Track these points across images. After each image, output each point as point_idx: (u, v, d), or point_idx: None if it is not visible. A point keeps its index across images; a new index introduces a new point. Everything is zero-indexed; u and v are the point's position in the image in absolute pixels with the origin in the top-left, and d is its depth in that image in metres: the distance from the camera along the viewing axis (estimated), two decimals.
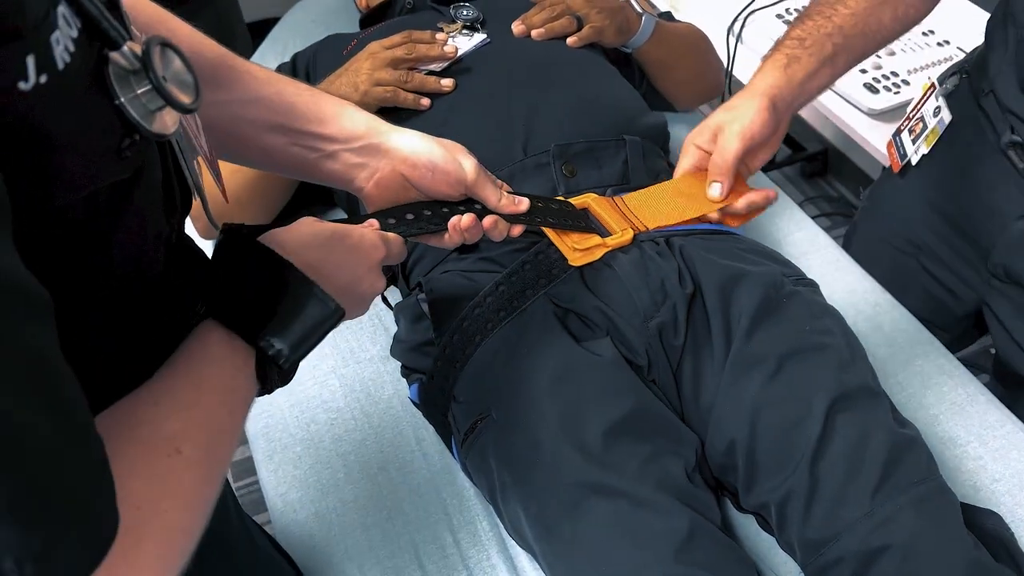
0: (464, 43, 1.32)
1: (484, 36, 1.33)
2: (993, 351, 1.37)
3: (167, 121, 0.51)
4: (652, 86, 1.50)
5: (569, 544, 0.90)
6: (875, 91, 1.67)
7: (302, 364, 0.67)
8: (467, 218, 0.89)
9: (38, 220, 0.44)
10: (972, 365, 1.32)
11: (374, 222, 0.84)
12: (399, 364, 1.24)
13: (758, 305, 1.02)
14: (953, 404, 1.18)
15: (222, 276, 0.65)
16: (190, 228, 1.33)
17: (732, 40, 1.90)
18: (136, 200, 0.52)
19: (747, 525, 1.05)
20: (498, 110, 1.22)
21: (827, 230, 1.49)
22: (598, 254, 1.06)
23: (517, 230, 0.95)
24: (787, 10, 1.91)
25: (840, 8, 1.10)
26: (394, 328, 1.30)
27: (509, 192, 0.95)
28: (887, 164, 1.44)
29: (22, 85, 0.41)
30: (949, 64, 1.37)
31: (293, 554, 1.04)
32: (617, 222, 1.09)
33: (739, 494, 1.00)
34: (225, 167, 0.79)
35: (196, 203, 0.66)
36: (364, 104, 1.22)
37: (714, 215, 1.12)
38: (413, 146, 0.89)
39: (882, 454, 0.92)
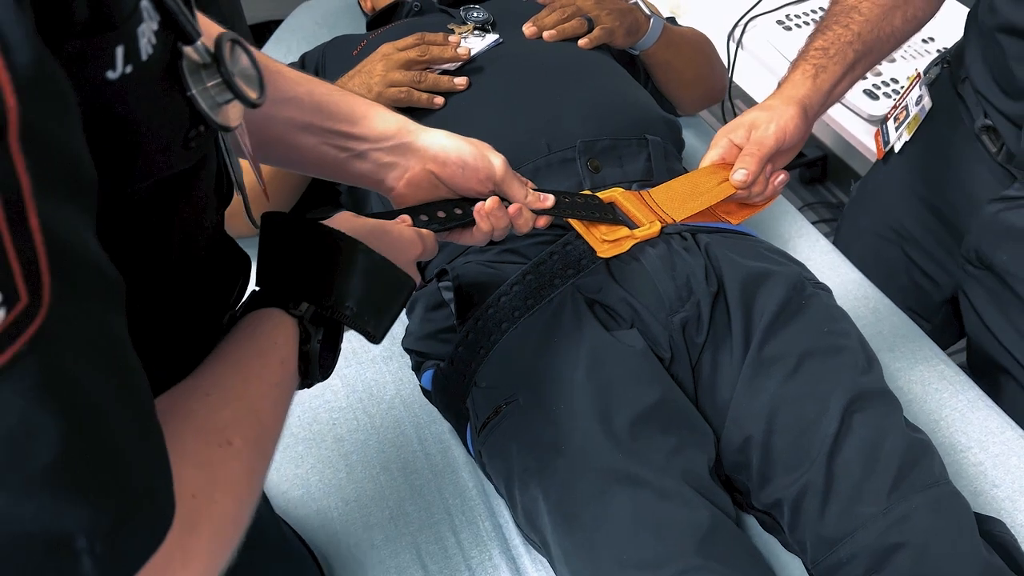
0: (477, 44, 1.32)
1: (496, 36, 1.34)
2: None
3: (232, 114, 0.53)
4: (655, 89, 1.51)
5: (591, 532, 0.90)
6: (875, 97, 1.68)
7: None
8: (491, 201, 0.90)
9: (112, 205, 0.44)
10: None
11: (407, 218, 0.85)
12: (401, 365, 1.25)
13: (780, 304, 1.04)
14: (954, 410, 1.18)
15: (274, 252, 0.67)
16: None
17: (733, 46, 1.91)
18: (196, 190, 0.54)
19: (750, 526, 1.05)
20: (518, 107, 1.23)
21: (826, 236, 1.50)
22: (626, 246, 1.07)
23: (543, 221, 0.96)
24: (787, 16, 1.92)
25: (855, 16, 1.13)
26: (396, 328, 1.29)
27: (535, 189, 0.96)
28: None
29: (110, 74, 0.42)
30: None
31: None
32: (644, 214, 1.10)
33: (751, 492, 1.01)
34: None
35: (236, 199, 0.67)
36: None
37: (720, 210, 1.13)
38: (443, 144, 0.90)
39: (898, 454, 0.93)
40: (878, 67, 1.73)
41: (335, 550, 1.05)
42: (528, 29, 1.35)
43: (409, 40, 1.26)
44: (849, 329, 1.07)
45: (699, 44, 1.53)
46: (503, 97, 1.25)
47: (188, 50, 0.49)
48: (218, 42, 0.51)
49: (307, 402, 1.20)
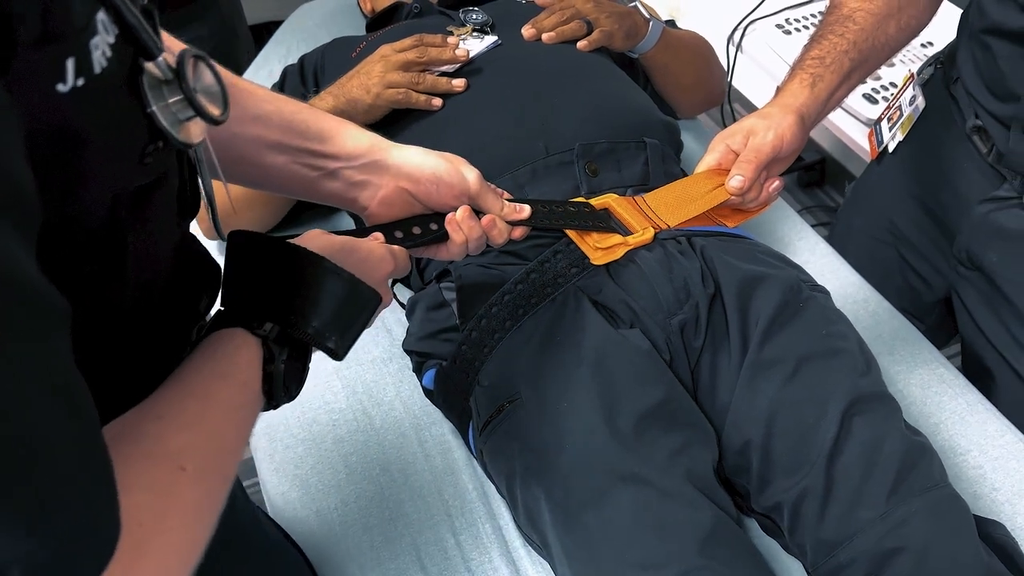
0: (475, 45, 1.32)
1: (495, 38, 1.34)
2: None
3: (194, 131, 0.52)
4: (654, 92, 1.51)
5: (592, 532, 0.90)
6: (874, 101, 1.68)
7: None
8: (462, 210, 0.89)
9: (58, 225, 0.44)
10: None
11: (379, 235, 0.84)
12: (401, 367, 1.25)
13: (777, 308, 1.04)
14: (953, 413, 1.18)
15: (239, 271, 0.66)
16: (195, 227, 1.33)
17: (732, 49, 1.91)
18: (155, 206, 0.53)
19: (750, 529, 1.05)
20: (516, 109, 1.23)
21: (825, 239, 1.50)
22: (620, 253, 1.07)
23: (519, 232, 0.96)
24: (787, 20, 1.93)
25: (850, 25, 1.14)
26: (396, 330, 1.30)
27: (510, 199, 0.95)
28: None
29: (60, 87, 0.42)
30: None
31: None
32: (638, 221, 1.11)
33: (750, 495, 1.01)
34: None
35: (203, 205, 0.66)
36: (376, 106, 1.23)
37: (713, 214, 1.13)
38: (416, 161, 0.89)
39: (897, 458, 0.93)
40: (877, 71, 1.74)
41: (334, 551, 1.05)
42: (527, 31, 1.35)
43: (408, 42, 1.26)
44: (847, 331, 1.07)
45: (698, 47, 1.53)
46: (501, 99, 1.26)
47: (149, 66, 0.48)
48: (180, 58, 0.50)
49: (307, 403, 1.20)
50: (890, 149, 1.38)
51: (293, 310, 0.65)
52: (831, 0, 1.19)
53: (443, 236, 0.90)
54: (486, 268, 1.11)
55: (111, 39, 0.45)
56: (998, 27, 1.10)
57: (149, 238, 0.54)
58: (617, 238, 1.08)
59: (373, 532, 1.06)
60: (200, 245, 0.67)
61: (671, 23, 1.59)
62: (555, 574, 0.99)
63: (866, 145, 1.63)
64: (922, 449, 0.97)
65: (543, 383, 1.00)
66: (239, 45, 1.92)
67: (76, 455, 0.39)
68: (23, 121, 0.38)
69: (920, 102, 1.32)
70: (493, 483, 1.09)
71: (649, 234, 1.09)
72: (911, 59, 1.76)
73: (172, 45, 0.59)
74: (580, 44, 1.35)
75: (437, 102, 1.25)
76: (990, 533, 0.95)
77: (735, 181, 1.08)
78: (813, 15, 1.93)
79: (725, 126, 2.06)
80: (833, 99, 1.14)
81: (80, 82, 0.42)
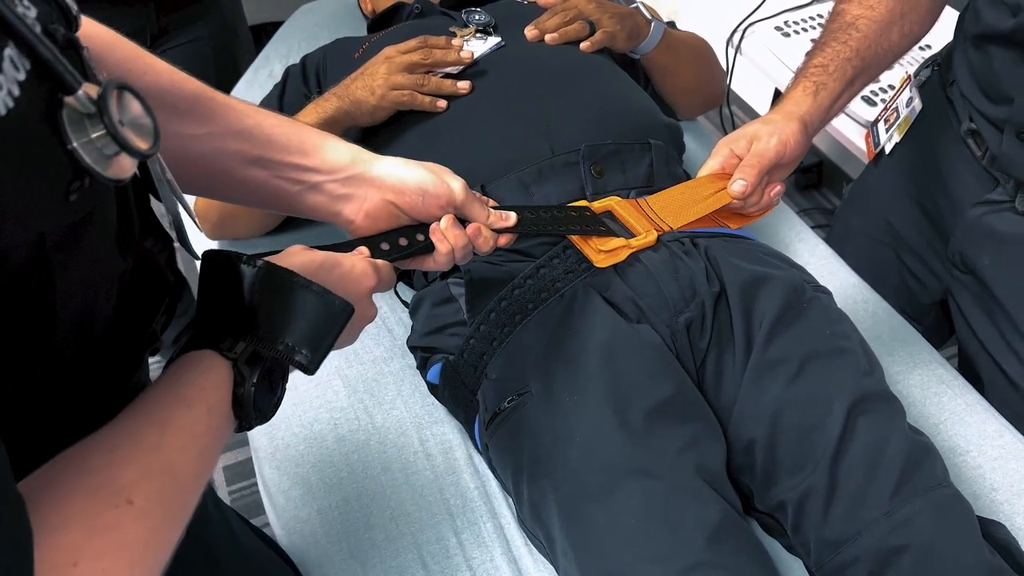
0: (479, 47, 1.33)
1: (499, 39, 1.35)
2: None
3: (125, 165, 0.49)
4: (655, 93, 1.51)
5: (600, 525, 0.91)
6: (872, 103, 1.69)
7: None
8: (446, 219, 0.89)
9: None
10: None
11: (364, 250, 0.84)
12: (403, 365, 1.25)
13: (781, 308, 1.05)
14: (952, 414, 1.19)
15: (210, 292, 0.65)
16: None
17: (731, 51, 1.92)
18: (88, 241, 0.50)
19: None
20: (521, 110, 1.23)
21: (823, 241, 1.51)
22: (623, 255, 1.08)
23: (505, 239, 0.96)
24: (785, 22, 1.93)
25: (853, 32, 1.15)
26: (398, 330, 1.30)
27: (495, 207, 0.95)
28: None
29: None
30: None
31: (295, 551, 1.05)
32: (641, 223, 1.11)
33: (754, 494, 1.01)
34: None
35: (201, 202, 0.65)
36: (381, 107, 1.23)
37: (719, 214, 1.14)
38: (400, 173, 0.88)
39: (900, 457, 0.94)
40: None
41: (336, 549, 1.05)
42: (530, 32, 1.36)
43: (412, 43, 1.27)
44: (850, 331, 1.07)
45: (699, 49, 1.54)
46: (506, 100, 1.26)
47: (69, 100, 0.46)
48: (102, 91, 0.47)
49: (308, 402, 1.21)
50: (887, 151, 1.39)
51: (262, 326, 0.64)
52: (834, 7, 1.20)
53: (430, 247, 0.89)
54: (495, 265, 1.12)
55: (20, 76, 0.43)
56: (991, 30, 1.11)
57: (83, 274, 0.51)
58: (620, 241, 1.09)
59: (375, 530, 1.07)
60: (157, 265, 0.65)
61: (671, 25, 1.59)
62: (557, 570, 0.99)
63: (864, 147, 1.64)
64: (925, 449, 0.97)
65: (553, 376, 1.00)
66: (239, 45, 1.92)
67: None
68: None
69: (917, 104, 1.32)
70: (497, 478, 1.10)
71: (652, 236, 1.10)
72: (908, 61, 1.77)
73: (140, 67, 0.56)
74: (583, 45, 1.35)
75: (442, 104, 1.25)
76: (992, 533, 0.96)
77: (737, 185, 1.08)
78: (812, 17, 1.94)
79: (724, 128, 2.07)
80: (836, 106, 1.15)
81: None
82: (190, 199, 1.13)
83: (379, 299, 1.33)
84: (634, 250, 1.09)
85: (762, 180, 1.10)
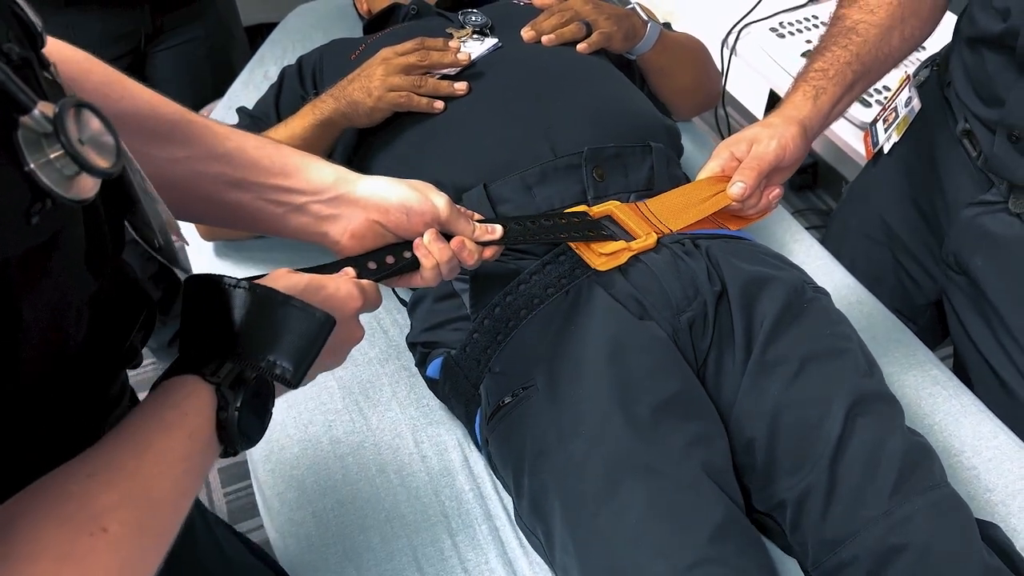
0: (476, 48, 1.33)
1: (496, 40, 1.34)
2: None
3: (86, 185, 0.47)
4: (651, 94, 1.51)
5: (604, 520, 0.90)
6: (868, 105, 1.69)
7: None
8: (429, 233, 0.89)
9: None
10: None
11: (350, 271, 0.84)
12: (398, 367, 1.25)
13: (781, 309, 1.05)
14: (947, 415, 1.19)
15: (192, 316, 0.64)
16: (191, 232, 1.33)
17: (727, 52, 1.92)
18: (54, 265, 0.49)
19: None
20: (518, 112, 1.23)
21: (818, 242, 1.51)
22: (623, 258, 1.08)
23: (490, 252, 0.96)
24: (781, 24, 1.93)
25: (853, 37, 1.15)
26: (393, 331, 1.30)
27: (480, 221, 0.95)
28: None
29: None
30: None
31: (289, 554, 1.04)
32: (641, 226, 1.11)
33: (752, 494, 1.01)
34: None
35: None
36: (378, 109, 1.23)
37: (719, 216, 1.15)
38: (384, 193, 0.88)
39: (899, 457, 0.94)
40: None
41: (331, 551, 1.05)
42: (527, 33, 1.36)
43: (409, 45, 1.27)
44: (849, 332, 1.08)
45: (694, 50, 1.54)
46: (503, 101, 1.26)
47: (24, 120, 0.44)
48: (59, 109, 0.45)
49: (303, 404, 1.20)
50: (885, 150, 1.39)
51: (245, 346, 0.63)
52: (835, 12, 1.20)
53: (416, 263, 0.90)
54: (501, 262, 1.12)
55: None
56: (984, 33, 1.12)
57: (50, 299, 0.50)
58: (620, 243, 1.09)
59: (370, 533, 1.06)
60: (134, 280, 0.64)
61: (667, 26, 1.59)
62: (553, 567, 0.99)
63: (859, 148, 1.64)
64: (923, 449, 0.98)
65: (559, 370, 1.00)
66: (235, 46, 1.92)
67: None
68: None
69: (916, 104, 1.32)
70: (496, 474, 1.10)
71: (652, 239, 1.10)
72: (908, 61, 1.77)
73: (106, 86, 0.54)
74: (580, 46, 1.35)
75: (439, 105, 1.25)
76: (990, 535, 0.96)
77: (736, 188, 1.09)
78: (807, 19, 1.94)
79: (719, 129, 2.08)
80: (835, 111, 1.15)
81: None
82: None
83: None
84: (634, 252, 1.09)
85: (761, 183, 1.10)
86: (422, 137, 1.25)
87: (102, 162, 0.48)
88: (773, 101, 1.99)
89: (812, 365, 1.01)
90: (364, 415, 1.19)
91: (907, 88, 1.36)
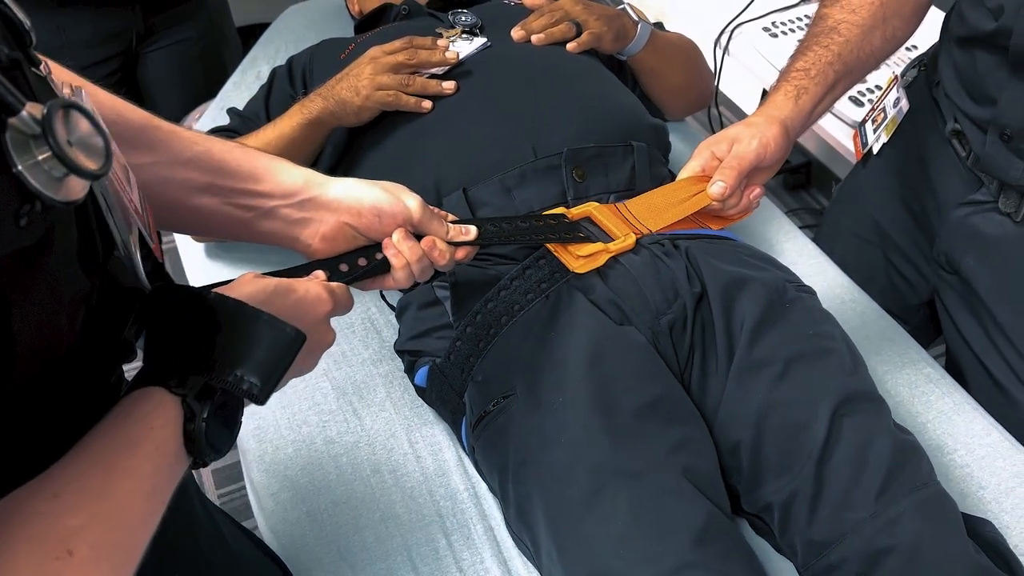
0: (465, 47, 1.33)
1: (485, 40, 1.34)
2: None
3: (75, 187, 0.47)
4: (643, 94, 1.52)
5: (586, 527, 0.90)
6: (860, 104, 1.69)
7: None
8: (397, 232, 0.89)
9: None
10: None
11: (320, 274, 0.84)
12: (392, 368, 1.24)
13: (762, 310, 1.05)
14: (940, 413, 1.19)
15: (157, 327, 0.63)
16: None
17: (719, 52, 1.92)
18: (47, 266, 0.49)
19: (740, 528, 1.06)
20: (505, 111, 1.23)
21: (811, 241, 1.51)
22: (601, 260, 1.08)
23: (462, 252, 0.96)
24: (773, 23, 1.94)
25: (835, 37, 1.15)
26: (386, 332, 1.30)
27: (454, 222, 0.95)
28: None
29: None
30: None
31: (284, 554, 1.04)
32: (619, 227, 1.11)
33: (740, 496, 1.01)
34: None
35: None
36: (365, 108, 1.23)
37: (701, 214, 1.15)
38: (355, 194, 0.87)
39: (886, 458, 0.94)
40: None
41: (325, 552, 1.05)
42: (516, 33, 1.36)
43: (397, 44, 1.27)
44: (834, 331, 1.07)
45: (686, 50, 1.54)
46: (490, 101, 1.26)
47: (13, 121, 0.44)
48: (48, 110, 0.45)
49: (296, 404, 1.20)
50: (874, 151, 1.39)
51: (211, 359, 0.62)
52: (817, 11, 1.20)
53: (389, 265, 0.89)
54: (480, 268, 1.12)
55: None
56: (975, 32, 1.12)
57: (43, 300, 0.49)
58: (598, 245, 1.09)
59: (364, 533, 1.06)
60: (127, 276, 0.64)
61: (659, 26, 1.59)
62: (541, 574, 0.99)
63: (852, 147, 1.64)
64: (911, 448, 0.98)
65: (539, 378, 1.00)
66: (227, 47, 1.92)
67: None
68: None
69: (904, 104, 1.33)
70: (485, 480, 1.10)
71: (631, 240, 1.10)
72: (895, 61, 1.77)
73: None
74: (569, 46, 1.35)
75: (427, 104, 1.25)
76: (980, 531, 0.96)
77: (716, 187, 1.09)
78: (800, 18, 1.95)
79: (712, 129, 2.08)
80: (817, 110, 1.15)
81: None
82: None
83: (367, 301, 1.34)
84: (612, 254, 1.09)
85: (742, 182, 1.10)
86: (410, 136, 1.25)
87: (91, 164, 0.48)
88: (764, 99, 1.99)
89: (796, 366, 1.01)
90: (358, 415, 1.19)
91: (895, 88, 1.36)
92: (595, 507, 0.90)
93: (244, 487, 1.25)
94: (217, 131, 1.40)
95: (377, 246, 0.90)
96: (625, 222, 1.13)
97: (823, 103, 1.15)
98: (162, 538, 0.57)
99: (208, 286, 0.67)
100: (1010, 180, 1.12)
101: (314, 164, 1.34)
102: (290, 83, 1.43)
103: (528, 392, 1.00)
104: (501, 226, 1.03)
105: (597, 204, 1.15)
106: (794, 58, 1.17)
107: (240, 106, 1.46)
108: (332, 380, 1.23)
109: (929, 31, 1.28)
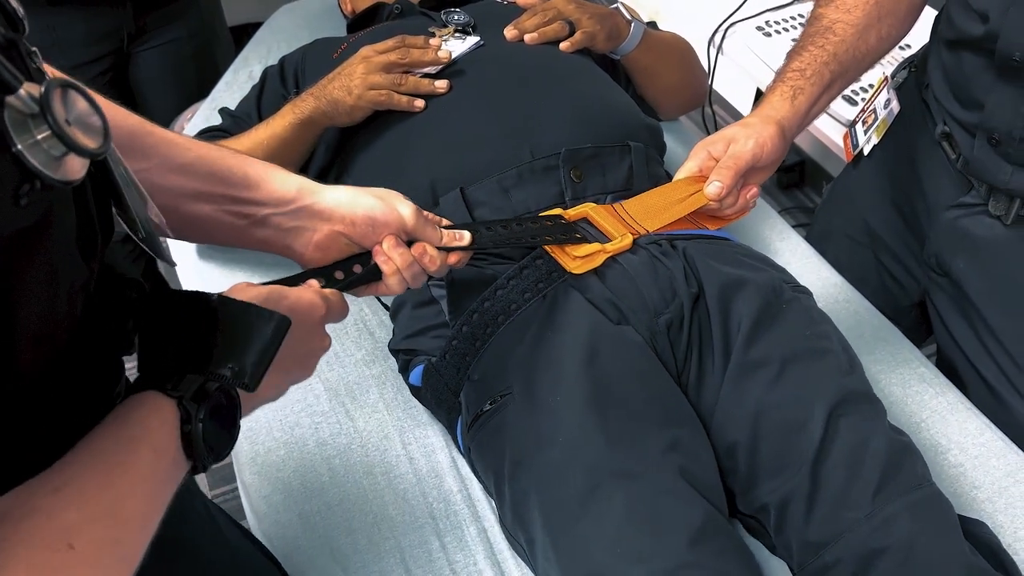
0: (457, 46, 1.32)
1: (477, 39, 1.34)
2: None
3: (75, 166, 0.47)
4: (636, 94, 1.51)
5: (582, 526, 0.90)
6: (853, 103, 1.69)
7: None
8: (387, 239, 0.88)
9: None
10: None
11: (313, 282, 0.83)
12: (384, 369, 1.24)
13: (758, 311, 1.05)
14: (934, 412, 1.19)
15: (151, 331, 0.64)
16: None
17: (713, 52, 1.92)
18: (45, 250, 0.49)
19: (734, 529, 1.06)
20: (500, 111, 1.23)
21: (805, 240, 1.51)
22: (598, 260, 1.08)
23: (455, 258, 0.95)
24: (767, 23, 1.94)
25: (831, 36, 1.15)
26: (379, 332, 1.30)
27: (448, 227, 0.95)
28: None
29: None
30: None
31: (277, 556, 1.04)
32: (616, 228, 1.11)
33: (736, 496, 1.01)
34: None
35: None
36: (358, 107, 1.22)
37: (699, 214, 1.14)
38: (350, 202, 0.87)
39: (881, 458, 0.94)
40: None
41: (318, 554, 1.04)
42: (509, 32, 1.35)
43: (389, 43, 1.26)
44: (830, 331, 1.08)
45: (680, 49, 1.54)
46: (484, 100, 1.25)
47: (11, 100, 0.44)
48: (45, 89, 0.45)
49: (289, 406, 1.20)
50: (865, 152, 1.39)
51: (204, 356, 0.62)
52: (812, 12, 1.20)
53: (380, 272, 0.89)
54: (477, 267, 1.11)
55: None
56: (963, 36, 1.12)
57: (42, 281, 0.49)
58: (595, 246, 1.08)
59: (357, 535, 1.06)
60: (126, 268, 0.64)
61: (652, 25, 1.59)
62: (536, 574, 0.98)
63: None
64: (906, 449, 0.98)
65: (535, 377, 1.00)
66: (219, 46, 1.91)
67: None
68: None
69: (895, 106, 1.32)
70: (480, 480, 1.09)
71: (628, 240, 1.10)
72: (887, 61, 1.77)
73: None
74: (562, 45, 1.35)
75: (419, 104, 1.25)
76: (974, 532, 0.96)
77: (713, 187, 1.08)
78: (793, 17, 1.95)
79: (706, 128, 2.08)
80: (814, 110, 1.15)
81: None
82: None
83: (360, 302, 1.33)
84: (610, 254, 1.08)
85: (738, 182, 1.10)
86: (403, 136, 1.24)
87: (90, 142, 0.48)
88: (758, 102, 2.00)
89: (792, 367, 1.01)
90: (351, 417, 1.19)
91: (885, 90, 1.36)
92: (591, 506, 0.90)
93: (236, 488, 1.25)
94: (209, 131, 1.39)
95: (370, 254, 0.89)
96: (622, 222, 1.12)
97: (819, 103, 1.15)
98: (162, 535, 0.57)
99: (198, 293, 0.66)
100: (999, 184, 1.12)
101: (307, 164, 1.33)
102: (282, 83, 1.42)
103: (524, 391, 1.00)
104: (496, 230, 1.03)
105: (594, 205, 1.15)
106: (790, 58, 1.17)
107: (232, 106, 1.45)
108: (325, 381, 1.23)
109: (924, 29, 1.27)
